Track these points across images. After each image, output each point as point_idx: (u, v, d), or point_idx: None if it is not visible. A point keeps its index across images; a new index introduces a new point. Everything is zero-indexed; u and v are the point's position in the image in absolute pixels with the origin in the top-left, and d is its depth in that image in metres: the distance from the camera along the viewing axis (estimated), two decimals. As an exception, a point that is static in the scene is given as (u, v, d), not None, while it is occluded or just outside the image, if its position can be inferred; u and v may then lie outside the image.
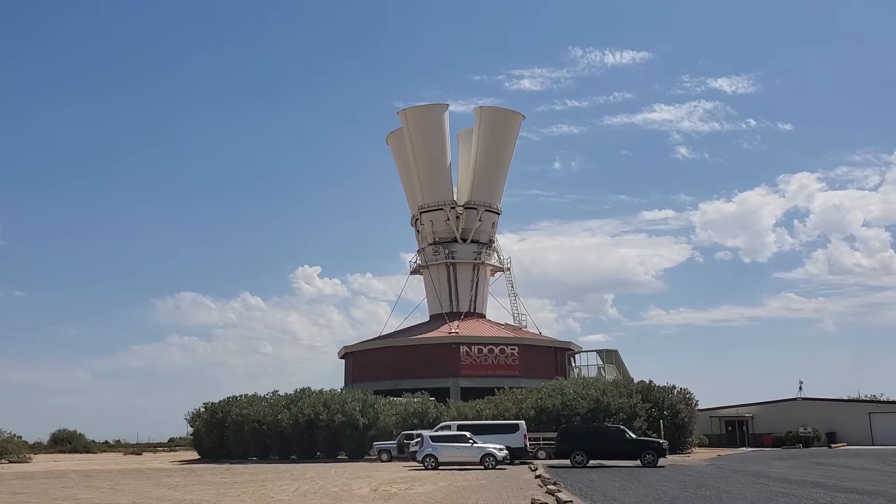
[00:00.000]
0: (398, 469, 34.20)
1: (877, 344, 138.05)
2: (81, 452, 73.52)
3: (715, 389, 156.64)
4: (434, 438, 34.79)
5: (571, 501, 16.51)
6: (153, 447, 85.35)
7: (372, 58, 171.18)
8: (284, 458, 49.51)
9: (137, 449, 79.44)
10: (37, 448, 75.59)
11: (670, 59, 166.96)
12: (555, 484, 21.45)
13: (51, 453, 70.75)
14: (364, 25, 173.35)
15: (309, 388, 52.90)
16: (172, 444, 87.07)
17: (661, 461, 33.20)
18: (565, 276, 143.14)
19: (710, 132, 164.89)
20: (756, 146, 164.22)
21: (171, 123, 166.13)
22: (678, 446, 46.80)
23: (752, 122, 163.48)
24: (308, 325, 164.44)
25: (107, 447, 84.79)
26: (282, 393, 53.47)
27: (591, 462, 33.56)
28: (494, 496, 19.64)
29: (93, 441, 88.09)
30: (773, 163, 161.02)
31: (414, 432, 41.42)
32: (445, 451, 33.95)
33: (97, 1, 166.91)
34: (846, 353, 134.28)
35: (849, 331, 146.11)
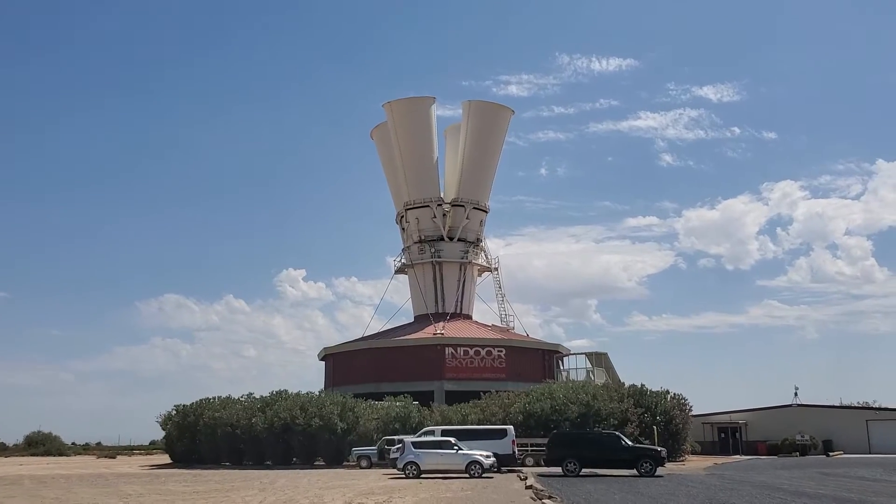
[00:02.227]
0: (377, 477, 31.88)
1: (858, 352, 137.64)
2: (55, 455, 71.48)
3: (699, 395, 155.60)
4: (416, 444, 32.54)
5: (574, 521, 14.25)
6: (130, 450, 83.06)
7: (358, 62, 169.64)
8: (259, 463, 47.08)
9: (111, 452, 77.32)
10: (12, 450, 73.69)
11: (656, 67, 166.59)
12: (550, 497, 19.22)
13: (23, 456, 68.65)
14: (351, 29, 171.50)
15: (286, 390, 50.49)
16: (151, 448, 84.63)
17: (659, 470, 31.08)
18: (550, 281, 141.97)
19: (694, 140, 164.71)
20: (740, 154, 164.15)
21: (155, 128, 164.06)
22: (672, 454, 44.79)
23: (737, 130, 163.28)
24: (292, 329, 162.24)
25: (82, 450, 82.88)
26: (258, 396, 51.09)
27: (584, 471, 31.38)
28: (482, 511, 17.38)
29: (73, 443, 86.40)
30: (757, 171, 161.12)
31: (395, 438, 39.18)
32: (428, 459, 31.71)
33: (83, 8, 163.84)
34: (828, 360, 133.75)
35: (831, 339, 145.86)
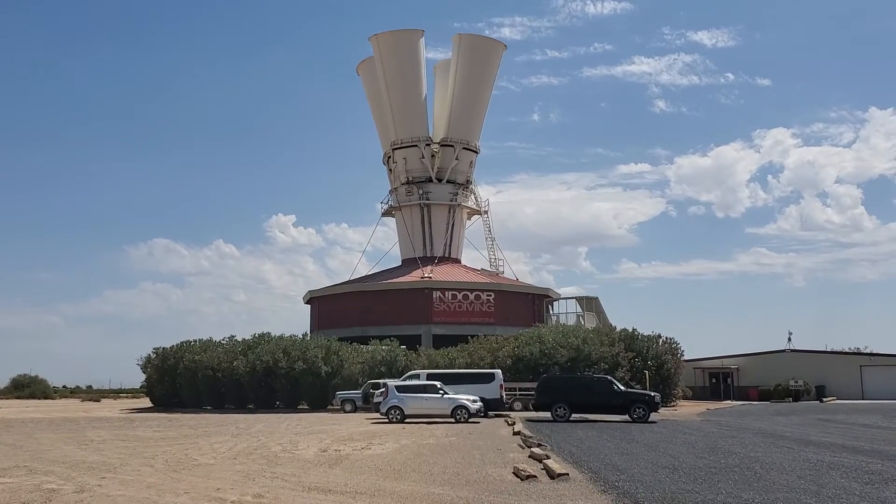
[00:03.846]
0: (360, 422, 30.61)
1: (846, 300, 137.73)
2: (40, 398, 70.85)
3: (688, 342, 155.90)
4: (400, 389, 31.16)
5: (567, 474, 12.76)
6: (116, 394, 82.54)
7: (348, 5, 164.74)
8: (241, 407, 45.97)
9: (97, 396, 77.04)
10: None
11: (651, 11, 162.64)
12: (539, 446, 17.81)
13: (7, 399, 68.43)
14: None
15: (268, 333, 49.14)
16: (140, 391, 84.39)
17: (653, 416, 29.91)
18: (540, 229, 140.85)
19: (688, 86, 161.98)
20: (733, 101, 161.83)
21: (145, 71, 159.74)
22: (663, 399, 43.84)
23: (731, 76, 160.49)
24: (283, 275, 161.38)
25: (69, 393, 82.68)
26: (240, 339, 49.72)
27: (574, 416, 30.16)
28: (466, 460, 15.95)
29: (63, 386, 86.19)
30: (750, 118, 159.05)
31: (380, 381, 37.90)
32: (412, 403, 30.37)
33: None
34: (816, 308, 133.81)
35: (818, 286, 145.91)
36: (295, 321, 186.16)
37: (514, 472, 13.36)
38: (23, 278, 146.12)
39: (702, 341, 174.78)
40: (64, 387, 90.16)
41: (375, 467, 14.91)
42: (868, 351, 62.09)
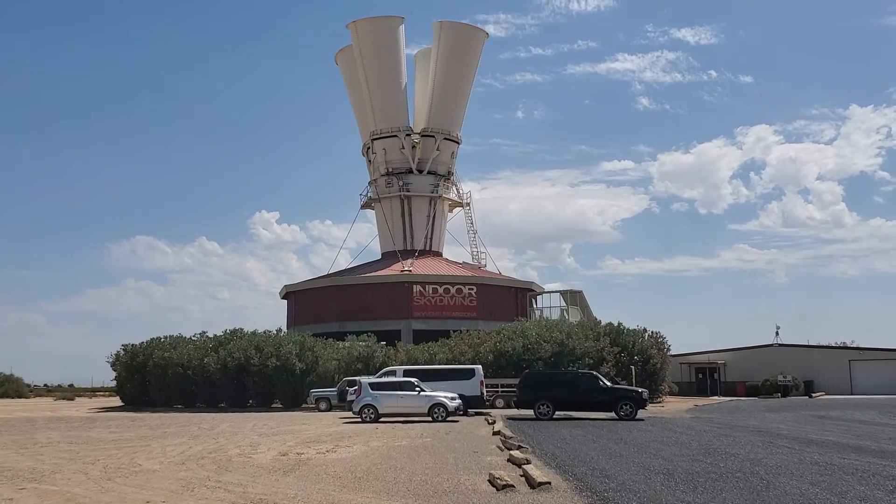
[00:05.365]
0: (332, 421, 28.99)
1: (827, 296, 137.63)
2: (12, 397, 68.94)
3: (671, 338, 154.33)
4: (374, 386, 29.53)
5: (549, 482, 11.19)
6: (93, 392, 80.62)
7: (329, 3, 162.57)
8: (213, 406, 44.16)
9: (72, 394, 75.23)
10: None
11: (634, 8, 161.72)
12: (519, 448, 16.26)
13: (-21, 398, 66.25)
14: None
15: (241, 328, 47.37)
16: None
17: (640, 413, 28.49)
18: (525, 225, 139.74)
19: (671, 83, 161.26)
20: (716, 98, 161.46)
21: (125, 70, 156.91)
22: (650, 395, 42.46)
23: (714, 73, 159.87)
24: (266, 272, 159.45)
25: (45, 392, 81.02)
26: (211, 335, 47.87)
27: (558, 413, 28.71)
28: (438, 465, 14.38)
29: (44, 385, 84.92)
30: (732, 115, 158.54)
31: (356, 378, 36.23)
32: (387, 401, 28.77)
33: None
34: (798, 304, 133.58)
35: (800, 282, 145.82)
36: (279, 318, 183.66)
37: (489, 481, 11.80)
38: (4, 276, 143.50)
39: (686, 338, 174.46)
40: (44, 385, 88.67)
41: (335, 474, 13.30)
42: (854, 345, 61.11)
